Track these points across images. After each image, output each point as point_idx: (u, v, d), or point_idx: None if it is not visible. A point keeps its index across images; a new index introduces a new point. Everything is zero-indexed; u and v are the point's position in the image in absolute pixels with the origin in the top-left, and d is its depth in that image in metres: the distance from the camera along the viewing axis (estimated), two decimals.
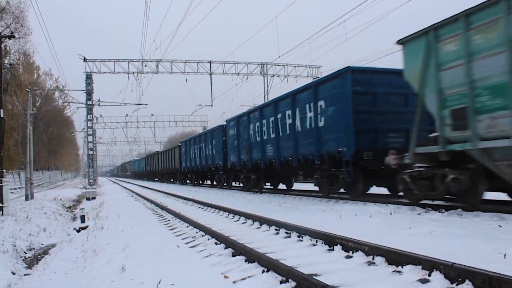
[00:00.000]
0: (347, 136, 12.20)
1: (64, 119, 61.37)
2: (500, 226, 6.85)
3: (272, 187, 21.03)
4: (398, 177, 10.46)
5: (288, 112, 15.58)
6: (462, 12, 8.19)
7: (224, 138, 24.03)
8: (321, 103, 13.51)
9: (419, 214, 8.99)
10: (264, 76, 33.37)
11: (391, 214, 9.23)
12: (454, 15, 8.39)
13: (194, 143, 31.68)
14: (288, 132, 15.73)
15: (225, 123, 24.03)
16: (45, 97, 48.09)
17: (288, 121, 15.61)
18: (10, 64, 25.94)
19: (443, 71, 8.74)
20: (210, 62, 31.70)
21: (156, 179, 55.29)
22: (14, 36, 20.99)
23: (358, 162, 12.10)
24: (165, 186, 36.97)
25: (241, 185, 22.72)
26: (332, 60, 30.51)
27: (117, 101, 35.04)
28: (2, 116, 16.55)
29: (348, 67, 12.48)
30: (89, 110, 30.78)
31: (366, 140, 12.13)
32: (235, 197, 17.38)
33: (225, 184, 26.04)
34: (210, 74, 31.70)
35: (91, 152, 32.75)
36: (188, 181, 36.99)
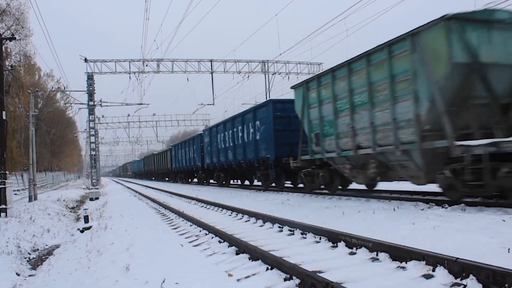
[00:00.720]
0: (271, 147, 17.36)
1: (66, 120, 61.44)
2: (504, 221, 6.83)
3: (239, 183, 26.27)
4: (298, 175, 15.48)
5: (240, 127, 20.89)
6: (316, 75, 13.50)
7: (201, 144, 29.56)
8: (258, 122, 18.75)
9: (422, 209, 8.98)
10: (265, 74, 33.30)
11: (394, 210, 9.22)
12: (313, 76, 13.63)
13: (181, 147, 37.27)
14: (240, 142, 20.93)
15: (202, 132, 29.83)
16: (46, 99, 48.15)
17: (240, 134, 20.86)
18: (11, 66, 26.00)
19: (311, 109, 13.67)
20: (211, 61, 31.66)
21: (153, 178, 59.48)
22: (15, 38, 20.99)
23: (279, 164, 17.03)
24: (161, 184, 40.47)
25: (215, 182, 28.28)
26: (334, 57, 30.46)
27: (118, 101, 35.13)
28: (4, 118, 16.56)
29: (270, 99, 18.41)
30: (91, 111, 30.79)
31: (283, 149, 16.86)
32: (238, 196, 17.43)
33: (204, 181, 31.52)
34: (211, 72, 31.65)
35: (93, 153, 32.76)
36: (178, 179, 41.80)
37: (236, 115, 22.01)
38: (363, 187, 14.30)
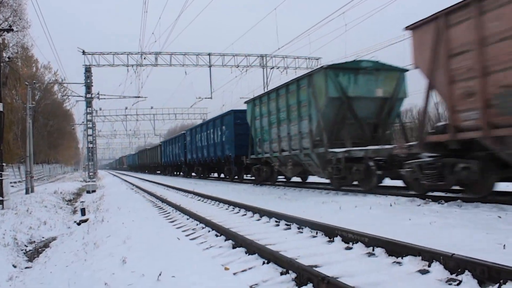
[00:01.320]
0: (232, 147, 21.94)
1: (64, 112, 61.10)
2: (500, 217, 6.87)
3: (217, 176, 31.09)
4: (251, 170, 20.09)
5: (212, 130, 25.79)
6: (259, 95, 18.15)
7: (184, 142, 34.48)
8: (224, 127, 23.41)
9: (419, 205, 9.00)
10: (263, 68, 33.23)
11: (391, 205, 9.24)
12: (257, 95, 18.36)
13: (169, 144, 42.95)
14: (212, 142, 25.84)
15: (185, 131, 35.43)
16: (44, 91, 47.89)
17: (212, 136, 25.74)
18: (8, 58, 25.88)
19: (256, 120, 18.14)
20: (209, 55, 31.58)
21: (146, 171, 64.98)
22: (12, 30, 20.89)
23: (238, 161, 21.35)
24: (154, 176, 44.93)
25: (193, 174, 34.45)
26: (332, 52, 30.44)
27: (116, 94, 34.98)
28: (1, 109, 16.51)
29: (232, 110, 22.63)
30: (89, 103, 30.69)
31: (242, 149, 20.61)
32: (235, 190, 17.45)
33: (188, 174, 36.45)
34: (210, 66, 31.57)
35: (91, 145, 32.70)
36: (167, 172, 47.33)
37: (209, 120, 27.29)
38: (299, 179, 19.09)
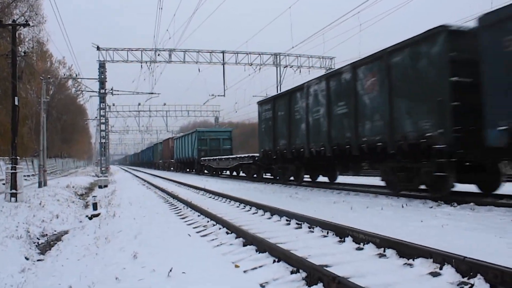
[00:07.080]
0: (151, 158, 65.35)
1: (77, 107, 61.65)
2: None
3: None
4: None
5: (149, 151, 69.13)
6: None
7: (148, 152, 62.87)
8: (151, 151, 65.57)
9: (431, 207, 8.94)
10: (277, 67, 33.23)
11: (402, 207, 9.19)
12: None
13: (142, 152, 72.28)
14: (150, 155, 66.23)
15: (147, 148, 75.56)
16: (58, 85, 48.31)
17: (148, 154, 68.01)
18: (24, 52, 26.12)
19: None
20: (223, 52, 31.64)
21: (139, 166, 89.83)
22: (28, 24, 21.01)
23: (156, 162, 57.15)
24: (138, 168, 65.72)
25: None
26: (346, 51, 30.28)
27: (130, 90, 35.19)
28: (16, 104, 16.69)
29: (153, 145, 66.50)
30: (102, 99, 30.98)
31: (157, 158, 54.94)
32: (246, 187, 17.46)
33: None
34: (223, 64, 31.66)
35: (103, 141, 32.97)
36: (143, 166, 71.65)
37: (149, 146, 63.64)
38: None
